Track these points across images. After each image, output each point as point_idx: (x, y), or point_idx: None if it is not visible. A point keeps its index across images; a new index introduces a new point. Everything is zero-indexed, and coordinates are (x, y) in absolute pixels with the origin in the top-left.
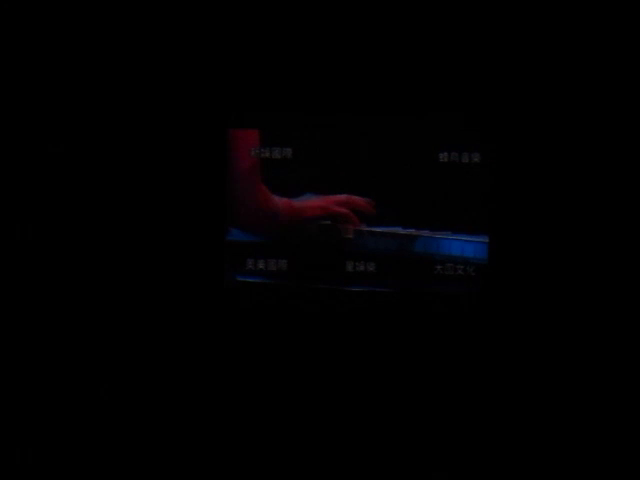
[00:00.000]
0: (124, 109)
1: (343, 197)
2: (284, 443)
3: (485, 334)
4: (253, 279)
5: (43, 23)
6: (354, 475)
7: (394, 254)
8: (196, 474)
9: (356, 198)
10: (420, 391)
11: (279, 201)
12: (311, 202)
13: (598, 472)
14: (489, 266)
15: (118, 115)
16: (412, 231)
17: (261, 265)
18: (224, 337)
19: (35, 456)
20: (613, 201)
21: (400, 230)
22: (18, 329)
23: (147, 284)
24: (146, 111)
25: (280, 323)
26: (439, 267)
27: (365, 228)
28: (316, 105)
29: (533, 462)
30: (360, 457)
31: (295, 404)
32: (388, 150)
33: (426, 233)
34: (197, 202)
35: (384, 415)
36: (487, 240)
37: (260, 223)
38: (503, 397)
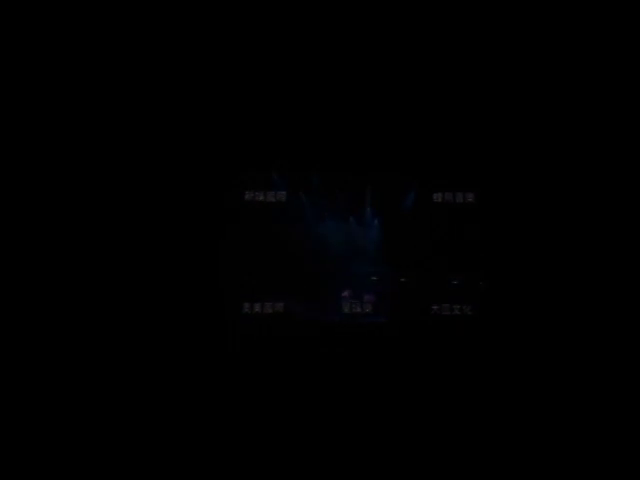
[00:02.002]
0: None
1: None
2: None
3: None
4: None
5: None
6: None
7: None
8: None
9: None
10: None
11: None
12: None
13: (588, 471)
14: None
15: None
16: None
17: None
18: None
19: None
20: (598, 237)
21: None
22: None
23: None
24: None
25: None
26: (435, 307)
27: None
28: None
29: (528, 465)
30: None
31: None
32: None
33: None
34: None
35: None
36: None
37: None
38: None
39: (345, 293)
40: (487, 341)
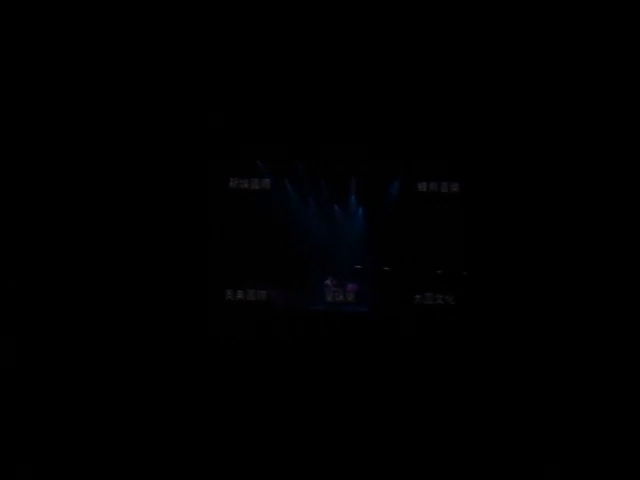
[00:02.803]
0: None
1: None
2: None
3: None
4: None
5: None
6: None
7: None
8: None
9: None
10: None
11: None
12: None
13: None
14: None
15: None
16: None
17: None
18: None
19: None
20: (581, 227)
21: None
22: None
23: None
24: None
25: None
26: (418, 297)
27: None
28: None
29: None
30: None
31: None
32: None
33: None
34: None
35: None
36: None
37: None
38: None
39: (328, 281)
40: (469, 330)
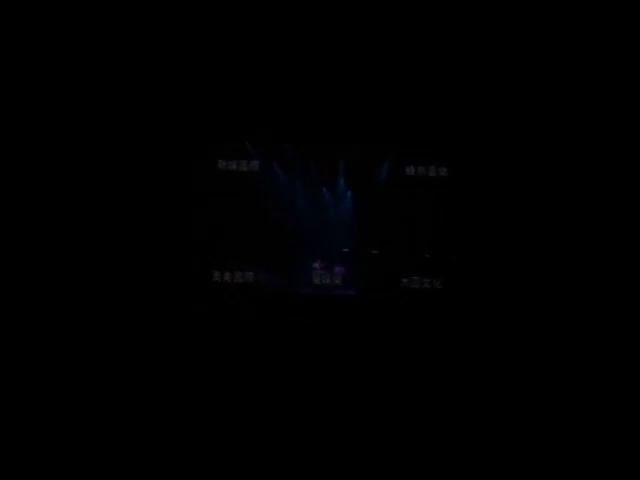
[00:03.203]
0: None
1: None
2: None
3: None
4: None
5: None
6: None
7: None
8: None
9: None
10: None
11: None
12: None
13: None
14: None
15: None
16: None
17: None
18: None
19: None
20: (570, 213)
21: None
22: None
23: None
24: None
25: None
26: (405, 280)
27: None
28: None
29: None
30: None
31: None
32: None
33: None
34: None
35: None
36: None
37: None
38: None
39: (316, 264)
40: (455, 314)
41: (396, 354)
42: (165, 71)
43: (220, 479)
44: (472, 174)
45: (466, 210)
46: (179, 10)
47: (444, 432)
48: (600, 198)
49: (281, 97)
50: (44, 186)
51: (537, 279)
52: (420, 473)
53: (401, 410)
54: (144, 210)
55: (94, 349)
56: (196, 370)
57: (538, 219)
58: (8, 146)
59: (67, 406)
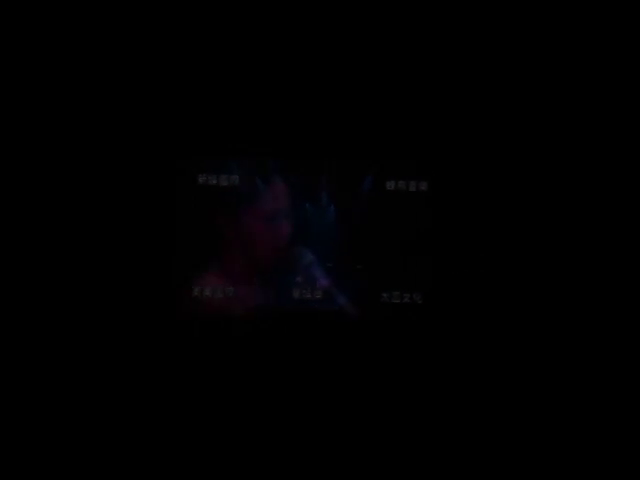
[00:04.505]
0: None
1: None
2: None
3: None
4: None
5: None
6: None
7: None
8: None
9: None
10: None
11: None
12: None
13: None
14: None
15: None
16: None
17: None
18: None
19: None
20: (552, 224)
21: None
22: None
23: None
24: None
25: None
26: (385, 295)
27: None
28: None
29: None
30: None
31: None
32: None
33: None
34: None
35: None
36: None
37: None
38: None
39: (298, 279)
40: (435, 328)
41: (379, 368)
42: (145, 86)
43: None
44: (453, 188)
45: (446, 225)
46: (158, 25)
47: (430, 448)
48: (586, 216)
49: (262, 112)
50: (19, 204)
51: (519, 294)
52: None
53: (386, 423)
54: (123, 225)
55: (71, 359)
56: (176, 382)
57: (519, 234)
58: None
59: (46, 412)
